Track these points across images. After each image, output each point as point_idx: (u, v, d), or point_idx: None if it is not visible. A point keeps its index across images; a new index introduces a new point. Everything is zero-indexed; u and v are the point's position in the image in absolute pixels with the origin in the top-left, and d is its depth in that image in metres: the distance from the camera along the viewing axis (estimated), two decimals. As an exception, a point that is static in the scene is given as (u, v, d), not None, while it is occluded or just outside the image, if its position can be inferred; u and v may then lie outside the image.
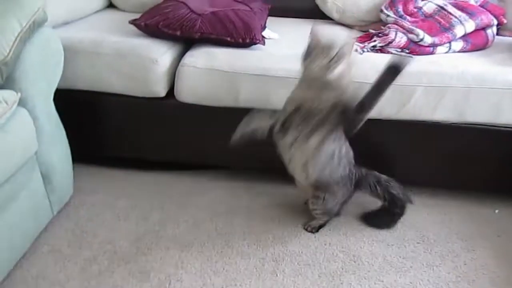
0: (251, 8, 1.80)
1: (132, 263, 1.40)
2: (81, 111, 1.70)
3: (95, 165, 1.85)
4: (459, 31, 1.75)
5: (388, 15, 1.87)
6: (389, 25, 1.81)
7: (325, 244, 1.51)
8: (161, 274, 1.36)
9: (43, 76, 1.40)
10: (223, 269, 1.39)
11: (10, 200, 1.27)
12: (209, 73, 1.57)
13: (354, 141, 1.59)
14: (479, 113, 1.53)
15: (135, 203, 1.67)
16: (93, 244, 1.47)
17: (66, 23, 1.85)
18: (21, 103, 1.30)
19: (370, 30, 1.86)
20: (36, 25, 1.35)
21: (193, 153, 1.75)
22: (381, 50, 1.70)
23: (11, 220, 1.28)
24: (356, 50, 1.67)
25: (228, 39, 1.65)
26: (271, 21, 1.97)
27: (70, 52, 1.54)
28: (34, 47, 1.35)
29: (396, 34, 1.71)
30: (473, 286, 1.37)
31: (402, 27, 1.75)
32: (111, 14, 2.10)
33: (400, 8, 1.88)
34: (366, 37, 1.81)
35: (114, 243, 1.48)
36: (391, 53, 1.68)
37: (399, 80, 1.50)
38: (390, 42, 1.69)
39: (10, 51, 1.25)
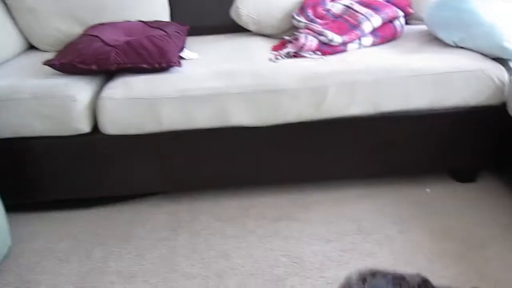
0: (166, 32, 1.83)
1: (76, 305, 1.38)
2: (9, 159, 1.68)
3: (32, 211, 1.82)
4: (367, 27, 1.84)
5: (299, 21, 1.95)
6: (301, 30, 1.89)
7: (267, 251, 1.54)
8: (107, 312, 1.36)
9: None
10: (168, 292, 1.40)
11: None
12: (129, 103, 1.59)
13: (283, 147, 1.66)
14: (391, 102, 1.61)
15: (77, 243, 1.65)
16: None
17: (-17, 73, 1.83)
18: None
19: (284, 37, 1.93)
20: None
21: (129, 183, 1.75)
22: (295, 55, 1.76)
23: None
24: (271, 59, 1.73)
25: (145, 66, 1.67)
26: (190, 41, 2.01)
27: (-14, 102, 1.53)
28: None
29: (306, 38, 1.78)
30: (410, 267, 1.43)
31: (312, 30, 1.83)
32: (30, 56, 2.08)
33: (310, 13, 1.96)
34: (281, 45, 1.88)
35: None
36: (305, 57, 1.75)
37: (312, 82, 1.58)
38: (302, 47, 1.76)
39: None
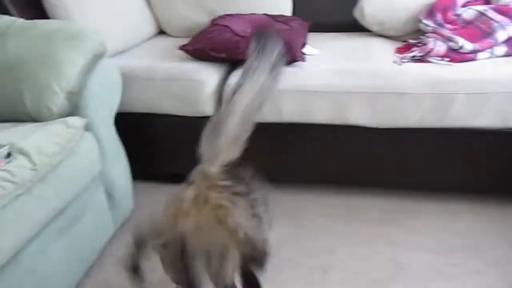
0: (290, 27, 1.89)
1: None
2: (138, 132, 1.84)
3: (153, 182, 1.99)
4: (501, 36, 1.74)
5: (427, 25, 1.89)
6: (428, 34, 1.84)
7: (372, 253, 1.54)
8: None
9: (104, 102, 1.55)
10: (273, 276, 1.46)
11: (79, 215, 1.41)
12: (253, 92, 1.66)
13: (401, 151, 1.63)
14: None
15: (189, 216, 1.78)
16: (151, 255, 1.59)
17: (122, 52, 2.02)
18: (87, 128, 1.45)
19: (409, 40, 1.89)
20: (97, 58, 1.51)
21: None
22: (421, 60, 1.72)
23: (80, 233, 1.42)
24: (395, 62, 1.71)
25: (270, 58, 1.74)
26: (311, 37, 2.04)
27: (126, 79, 1.69)
28: (96, 78, 1.50)
29: (435, 43, 1.73)
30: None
31: (441, 35, 1.77)
32: (161, 40, 2.26)
33: (439, 17, 1.90)
34: (405, 48, 1.84)
35: (171, 254, 1.59)
36: (431, 62, 1.70)
37: (439, 88, 1.53)
38: (429, 52, 1.71)
39: (76, 82, 1.41)
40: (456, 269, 1.45)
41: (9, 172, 1.11)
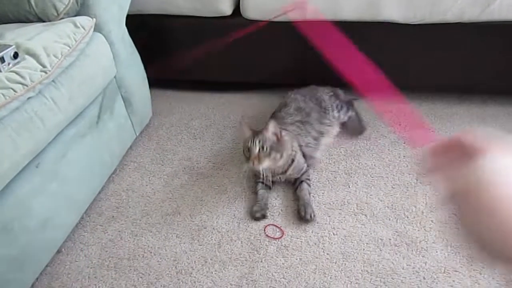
0: None
1: (210, 177, 1.48)
2: (151, 35, 1.74)
3: (169, 89, 1.93)
4: None
5: None
6: None
7: (399, 157, 1.48)
8: (237, 187, 1.44)
9: (114, 0, 1.44)
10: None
11: (98, 121, 1.37)
12: (275, -14, 1.52)
13: (435, 50, 1.51)
14: None
15: (209, 123, 1.74)
16: (173, 161, 1.58)
17: None
18: (97, 28, 1.36)
19: None
20: (103, -51, 1.37)
21: (261, 71, 1.75)
22: None
23: (100, 138, 1.39)
24: None
25: None
26: None
27: (136, -25, 1.56)
28: (104, -28, 1.38)
29: None
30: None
31: None
32: None
33: None
34: None
35: (192, 160, 1.57)
36: None
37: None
38: None
39: (82, -24, 1.29)
40: (487, 173, 1.39)
41: (17, 73, 1.06)
